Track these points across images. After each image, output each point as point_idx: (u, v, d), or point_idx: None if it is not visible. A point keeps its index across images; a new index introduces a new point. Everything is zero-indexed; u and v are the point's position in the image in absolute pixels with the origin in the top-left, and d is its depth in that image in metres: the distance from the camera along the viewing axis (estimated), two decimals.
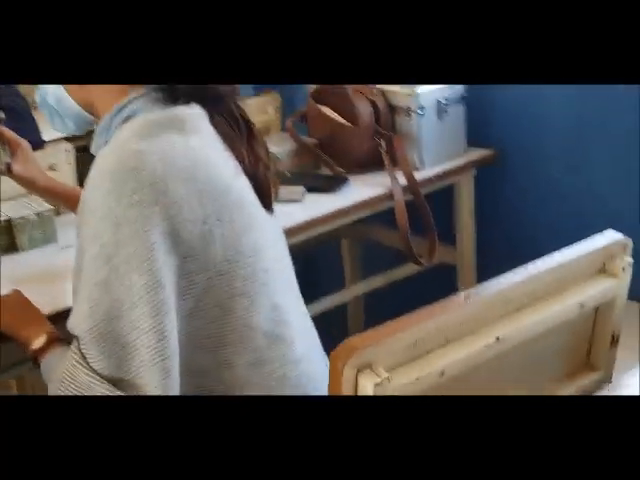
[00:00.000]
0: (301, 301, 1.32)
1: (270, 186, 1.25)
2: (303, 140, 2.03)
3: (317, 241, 2.14)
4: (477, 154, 2.08)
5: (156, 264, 1.06)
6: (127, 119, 1.16)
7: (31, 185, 1.53)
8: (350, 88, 1.97)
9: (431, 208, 1.97)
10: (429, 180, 1.98)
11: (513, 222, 2.16)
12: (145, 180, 1.06)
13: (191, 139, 1.13)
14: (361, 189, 1.92)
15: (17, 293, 1.33)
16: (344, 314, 2.58)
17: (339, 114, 1.99)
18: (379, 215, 1.98)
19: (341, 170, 1.97)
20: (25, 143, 1.51)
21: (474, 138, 2.09)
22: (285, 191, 1.85)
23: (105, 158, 1.10)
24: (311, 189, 1.90)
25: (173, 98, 1.17)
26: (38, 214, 1.71)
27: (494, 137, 2.11)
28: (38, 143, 1.54)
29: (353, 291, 2.35)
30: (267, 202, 1.23)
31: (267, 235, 1.21)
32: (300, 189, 1.87)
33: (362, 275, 2.47)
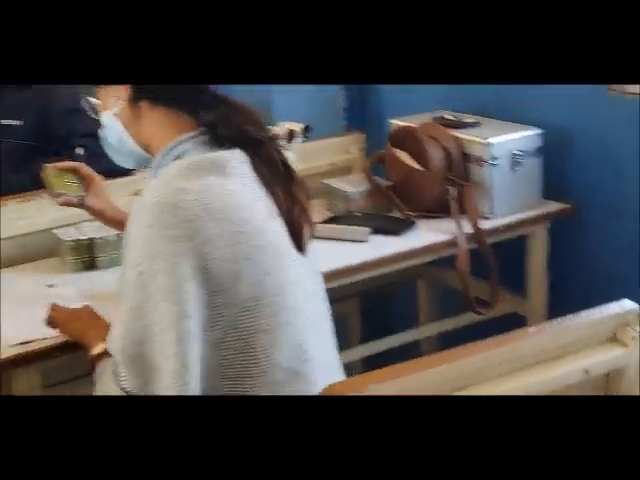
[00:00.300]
0: (329, 338, 1.37)
1: (304, 229, 1.31)
2: (376, 182, 2.08)
3: (392, 279, 2.19)
4: (553, 207, 2.07)
5: (185, 296, 1.15)
6: (176, 158, 1.26)
7: (100, 216, 1.68)
8: (424, 134, 2.01)
9: (502, 257, 1.98)
10: (498, 230, 1.99)
11: (589, 276, 2.12)
12: (182, 217, 1.15)
13: (229, 182, 1.21)
14: (426, 234, 1.94)
15: (86, 306, 1.47)
16: (418, 353, 2.59)
17: (413, 158, 2.03)
18: (451, 259, 2.00)
19: (410, 214, 2.01)
20: (98, 178, 1.66)
21: (551, 190, 2.08)
22: (351, 231, 1.92)
23: (150, 192, 1.20)
24: (378, 230, 1.94)
25: (218, 142, 1.26)
26: (117, 235, 1.84)
27: (572, 190, 2.09)
28: (126, 171, 1.67)
29: (425, 331, 2.36)
30: (299, 244, 1.30)
31: (295, 275, 1.27)
32: (365, 230, 1.91)
33: (436, 316, 2.48)
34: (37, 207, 1.87)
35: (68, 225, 1.85)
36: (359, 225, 1.93)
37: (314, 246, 1.37)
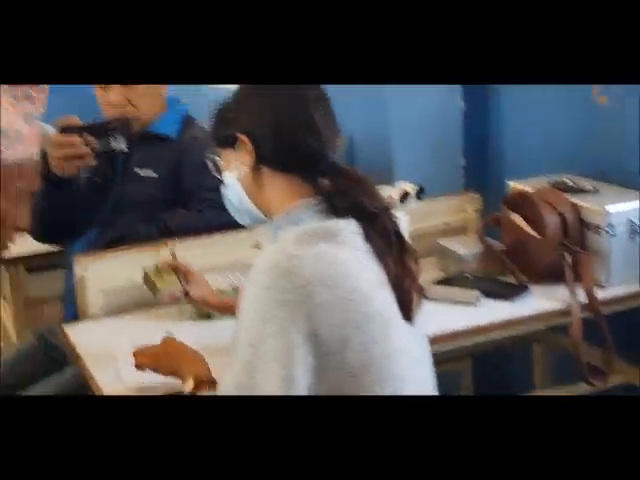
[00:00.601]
0: None
1: (413, 299, 1.33)
2: (490, 244, 2.09)
3: (507, 341, 2.17)
4: None
5: (295, 359, 1.20)
6: (293, 224, 1.32)
7: (205, 304, 1.80)
8: (541, 198, 2.00)
9: (620, 327, 1.94)
10: (614, 300, 1.96)
11: None
12: (295, 283, 1.21)
13: (341, 251, 1.26)
14: (539, 300, 1.93)
15: (167, 339, 1.58)
16: None
17: (528, 223, 2.02)
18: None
19: (523, 279, 2.00)
20: (194, 269, 1.79)
21: None
22: (461, 293, 1.93)
23: (267, 256, 1.26)
24: (489, 294, 1.94)
25: (334, 210, 1.32)
26: (234, 288, 1.92)
27: None
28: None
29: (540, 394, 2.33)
30: (408, 313, 1.32)
31: (403, 343, 1.30)
32: (475, 293, 1.92)
33: (552, 380, 2.44)
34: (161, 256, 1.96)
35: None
36: (470, 288, 1.94)
37: (424, 307, 1.38)
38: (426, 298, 1.43)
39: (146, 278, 1.82)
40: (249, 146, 1.35)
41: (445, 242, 2.15)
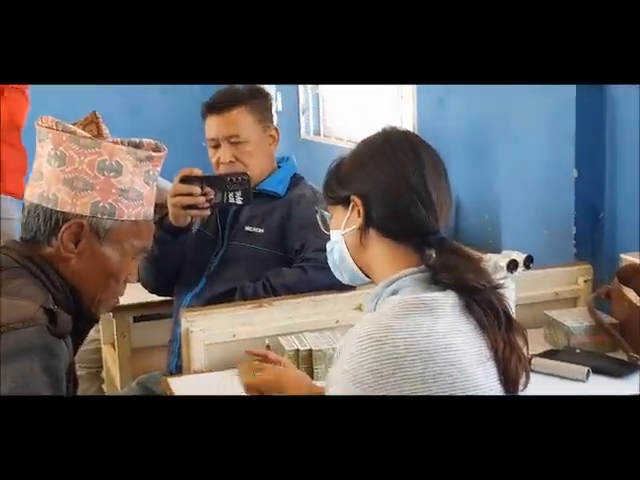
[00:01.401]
0: None
1: (520, 377, 1.31)
2: (600, 318, 2.02)
3: None
4: None
5: None
6: (393, 292, 1.32)
7: (296, 389, 1.72)
8: None
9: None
10: None
11: None
12: (386, 353, 1.21)
13: (438, 323, 1.25)
14: None
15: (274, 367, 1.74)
16: None
17: None
18: None
19: (635, 356, 1.93)
20: (284, 359, 1.84)
21: None
22: (569, 368, 1.88)
23: (364, 323, 1.27)
24: (598, 371, 1.87)
25: (434, 281, 1.31)
26: (334, 349, 1.92)
27: None
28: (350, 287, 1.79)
29: None
30: (512, 392, 1.30)
31: None
32: (584, 369, 1.86)
33: None
34: (268, 314, 2.00)
35: (292, 334, 1.96)
36: (578, 363, 1.88)
37: (530, 383, 1.35)
38: (533, 370, 1.40)
39: (241, 371, 1.86)
40: (360, 208, 1.35)
41: (554, 313, 2.10)
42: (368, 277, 1.42)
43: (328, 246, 1.45)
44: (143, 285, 2.36)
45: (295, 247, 2.20)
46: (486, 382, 1.26)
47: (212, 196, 2.12)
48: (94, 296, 1.47)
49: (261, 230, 2.25)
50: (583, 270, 2.27)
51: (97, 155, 1.41)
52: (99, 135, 1.45)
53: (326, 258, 1.48)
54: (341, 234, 1.40)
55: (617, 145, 2.39)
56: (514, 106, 2.66)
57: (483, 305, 1.28)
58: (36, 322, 1.28)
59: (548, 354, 1.96)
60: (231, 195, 2.14)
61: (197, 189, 2.10)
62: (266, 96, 2.35)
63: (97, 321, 1.52)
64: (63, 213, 1.41)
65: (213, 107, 2.26)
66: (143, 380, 2.36)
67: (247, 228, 2.26)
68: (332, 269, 1.47)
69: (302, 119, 4.59)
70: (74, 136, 1.41)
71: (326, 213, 1.47)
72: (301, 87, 4.60)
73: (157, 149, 1.48)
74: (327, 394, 1.29)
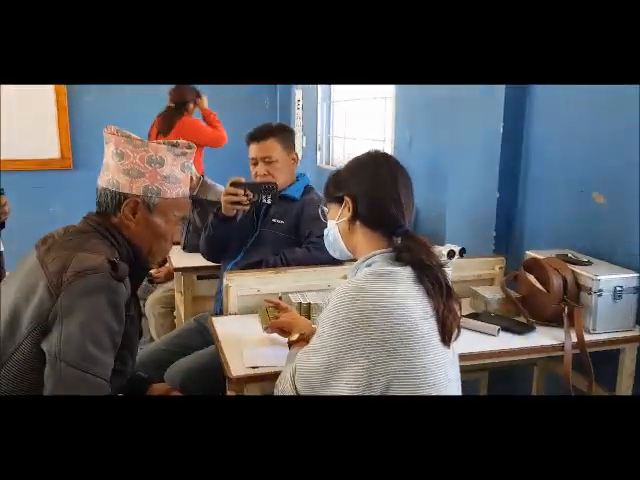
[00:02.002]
0: None
1: (453, 330, 1.24)
2: (509, 293, 1.95)
3: (515, 363, 2.03)
4: None
5: (352, 358, 1.14)
6: (368, 265, 1.25)
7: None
8: (549, 265, 1.86)
9: (601, 364, 1.77)
10: (597, 343, 1.78)
11: None
12: (358, 307, 1.14)
13: (397, 289, 1.18)
14: (542, 338, 1.77)
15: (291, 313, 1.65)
16: None
17: (538, 281, 1.88)
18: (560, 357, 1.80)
19: (532, 320, 1.85)
20: (290, 307, 1.72)
21: None
22: (486, 326, 1.81)
23: (342, 287, 1.20)
24: (506, 329, 1.80)
25: (398, 260, 1.24)
26: (325, 303, 1.85)
27: None
28: (340, 261, 1.70)
29: None
30: (447, 341, 1.22)
31: (439, 361, 1.20)
32: (496, 327, 1.78)
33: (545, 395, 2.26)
34: (282, 278, 1.93)
35: (298, 292, 1.89)
36: (492, 323, 1.81)
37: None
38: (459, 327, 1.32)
39: (261, 312, 1.80)
40: (350, 205, 1.29)
41: (477, 288, 2.02)
42: (352, 254, 1.36)
43: (325, 231, 1.40)
44: (202, 255, 2.31)
45: (304, 234, 2.14)
46: (428, 332, 1.19)
47: (251, 196, 2.08)
48: (149, 251, 1.42)
49: (282, 221, 2.19)
50: (499, 261, 2.19)
51: (146, 152, 1.35)
52: None
53: (324, 241, 1.42)
54: (335, 223, 1.34)
55: (528, 177, 2.31)
56: (459, 145, 2.59)
57: (431, 278, 1.22)
58: (102, 270, 1.23)
59: (472, 316, 1.88)
60: (263, 197, 2.10)
61: (241, 191, 2.07)
62: (291, 131, 2.29)
63: (150, 269, 1.45)
64: (123, 194, 1.36)
65: (254, 137, 2.21)
66: (197, 317, 2.30)
67: (273, 220, 2.20)
68: (327, 247, 1.41)
69: (318, 153, 4.55)
70: (129, 139, 1.36)
71: (325, 209, 1.41)
72: (318, 131, 4.55)
73: (189, 147, 1.42)
74: (317, 332, 1.22)
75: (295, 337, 1.50)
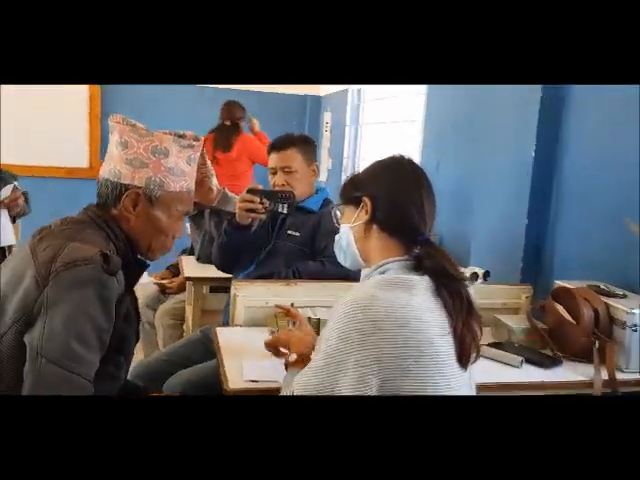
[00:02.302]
0: None
1: (472, 352, 1.11)
2: (535, 323, 1.80)
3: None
4: None
5: (365, 377, 1.01)
6: (381, 273, 1.14)
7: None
8: (580, 295, 1.72)
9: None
10: (629, 382, 1.62)
11: None
12: (369, 317, 1.02)
13: (413, 299, 1.06)
14: (569, 373, 1.63)
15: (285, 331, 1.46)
16: None
17: (567, 312, 1.74)
18: None
19: (559, 354, 1.70)
20: (301, 315, 1.55)
21: None
22: (508, 356, 1.66)
23: (354, 292, 1.09)
24: (529, 361, 1.66)
25: (415, 268, 1.12)
26: None
27: None
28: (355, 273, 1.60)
29: None
30: (464, 362, 1.10)
31: (453, 384, 1.07)
32: (520, 358, 1.64)
33: None
34: (293, 291, 1.83)
35: (308, 307, 1.77)
36: (516, 354, 1.67)
37: (478, 362, 1.16)
38: (481, 355, 1.19)
39: (270, 319, 1.69)
40: (369, 207, 1.18)
41: (501, 317, 1.88)
42: (364, 262, 1.23)
43: (337, 236, 1.28)
44: (214, 264, 2.22)
45: (320, 247, 2.04)
46: (445, 351, 1.07)
47: (267, 205, 1.99)
48: (148, 246, 1.33)
49: (298, 233, 2.09)
50: (525, 289, 2.06)
51: (150, 142, 1.28)
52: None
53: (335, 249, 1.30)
54: (350, 227, 1.22)
55: (559, 204, 2.18)
56: (488, 169, 2.47)
57: (450, 291, 1.10)
58: (93, 261, 1.14)
59: (494, 345, 1.74)
60: (280, 206, 2.01)
61: (257, 198, 1.99)
62: (312, 142, 2.20)
63: (147, 267, 1.36)
64: (125, 185, 1.28)
65: (275, 146, 2.14)
66: (204, 329, 2.21)
67: (288, 231, 2.11)
68: (337, 253, 1.29)
69: (343, 175, 4.52)
70: (134, 128, 1.29)
71: (338, 212, 1.30)
72: (345, 153, 4.50)
73: (196, 139, 1.34)
74: (319, 350, 1.09)
75: (293, 358, 1.31)
